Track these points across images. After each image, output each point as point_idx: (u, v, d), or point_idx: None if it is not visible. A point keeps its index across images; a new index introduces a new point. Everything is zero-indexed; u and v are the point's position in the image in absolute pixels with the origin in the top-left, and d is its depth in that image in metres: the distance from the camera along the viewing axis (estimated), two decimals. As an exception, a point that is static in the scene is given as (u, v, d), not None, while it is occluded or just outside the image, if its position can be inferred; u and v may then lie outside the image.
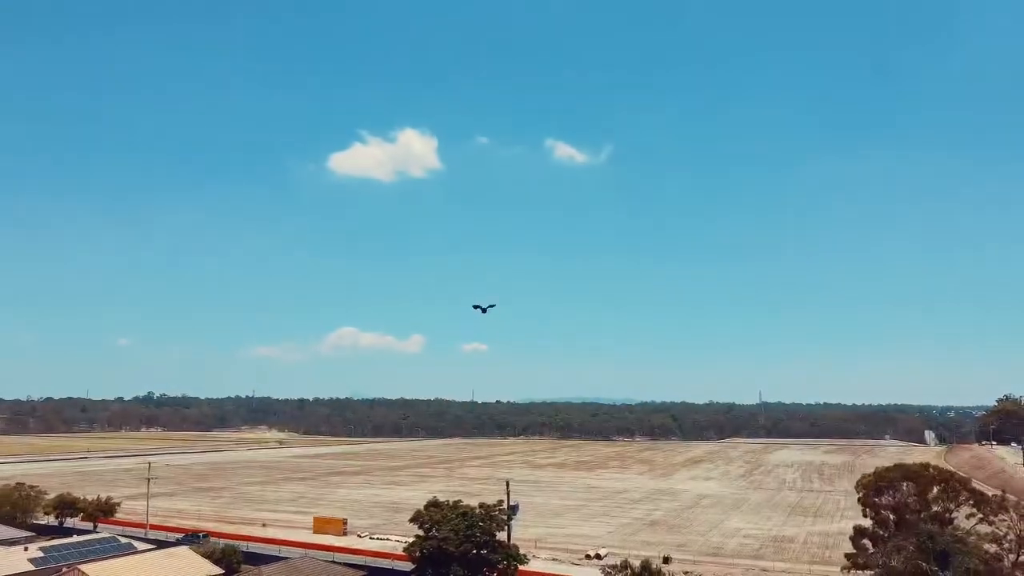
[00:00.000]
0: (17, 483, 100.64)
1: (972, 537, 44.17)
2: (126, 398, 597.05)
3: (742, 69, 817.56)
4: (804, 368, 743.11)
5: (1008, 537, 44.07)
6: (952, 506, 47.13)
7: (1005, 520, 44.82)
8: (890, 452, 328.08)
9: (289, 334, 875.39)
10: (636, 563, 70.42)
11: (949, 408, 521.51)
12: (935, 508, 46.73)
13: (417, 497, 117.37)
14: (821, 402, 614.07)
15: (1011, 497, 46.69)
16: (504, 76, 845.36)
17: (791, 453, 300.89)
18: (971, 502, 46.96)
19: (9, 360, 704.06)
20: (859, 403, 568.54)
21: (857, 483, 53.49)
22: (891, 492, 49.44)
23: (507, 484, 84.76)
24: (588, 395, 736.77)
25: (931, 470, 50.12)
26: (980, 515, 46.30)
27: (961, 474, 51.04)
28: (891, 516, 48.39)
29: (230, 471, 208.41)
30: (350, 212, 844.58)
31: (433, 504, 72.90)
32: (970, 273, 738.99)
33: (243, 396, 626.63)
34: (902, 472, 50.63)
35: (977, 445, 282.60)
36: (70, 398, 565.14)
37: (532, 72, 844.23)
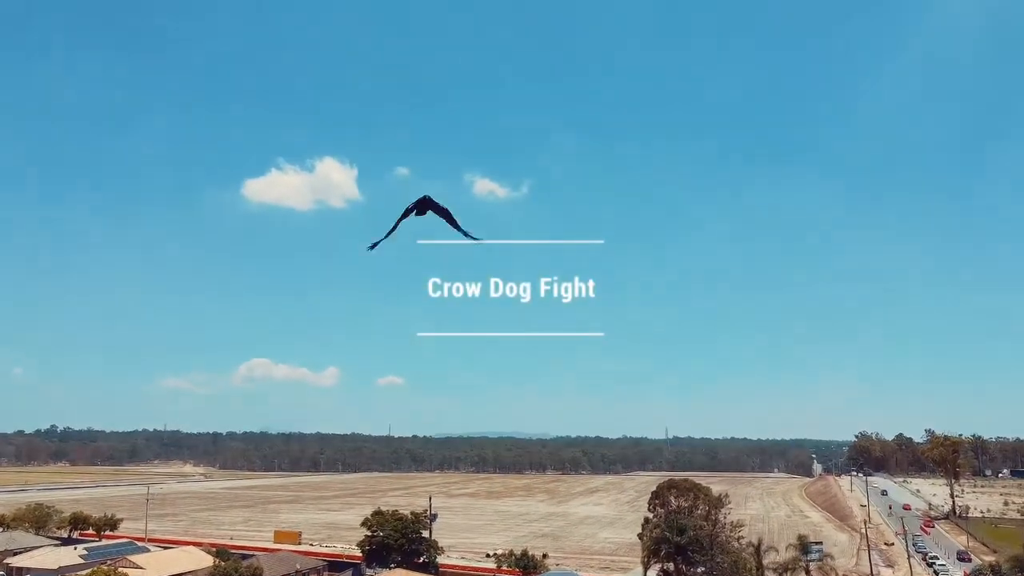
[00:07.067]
0: (36, 503, 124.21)
1: (695, 519, 77.16)
2: (26, 431, 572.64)
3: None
4: (712, 404, 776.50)
5: (710, 517, 77.62)
6: (693, 503, 79.99)
7: (719, 510, 78.23)
8: (766, 483, 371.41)
9: (199, 365, 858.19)
10: (518, 552, 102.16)
11: (846, 443, 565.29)
12: (684, 504, 79.82)
13: (349, 519, 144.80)
14: (728, 436, 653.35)
15: (730, 499, 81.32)
16: (425, 109, 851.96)
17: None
18: (706, 502, 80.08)
19: None
20: (763, 438, 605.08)
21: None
22: (663, 497, 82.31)
23: (430, 498, 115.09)
24: (505, 430, 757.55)
25: (686, 483, 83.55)
26: (708, 508, 79.50)
27: (704, 485, 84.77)
28: (661, 510, 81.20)
29: (173, 500, 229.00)
30: (264, 241, 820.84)
31: (377, 512, 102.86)
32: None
33: (151, 429, 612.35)
34: (670, 484, 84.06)
35: (832, 476, 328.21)
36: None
37: (454, 109, 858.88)
